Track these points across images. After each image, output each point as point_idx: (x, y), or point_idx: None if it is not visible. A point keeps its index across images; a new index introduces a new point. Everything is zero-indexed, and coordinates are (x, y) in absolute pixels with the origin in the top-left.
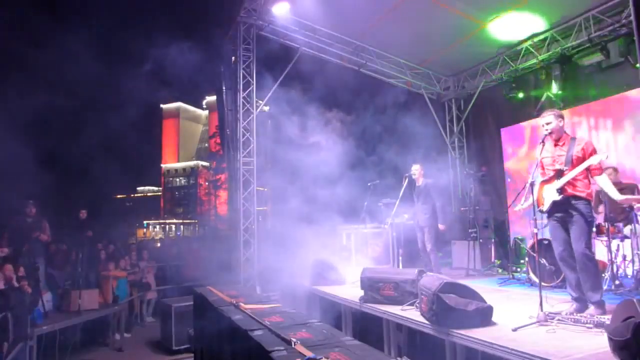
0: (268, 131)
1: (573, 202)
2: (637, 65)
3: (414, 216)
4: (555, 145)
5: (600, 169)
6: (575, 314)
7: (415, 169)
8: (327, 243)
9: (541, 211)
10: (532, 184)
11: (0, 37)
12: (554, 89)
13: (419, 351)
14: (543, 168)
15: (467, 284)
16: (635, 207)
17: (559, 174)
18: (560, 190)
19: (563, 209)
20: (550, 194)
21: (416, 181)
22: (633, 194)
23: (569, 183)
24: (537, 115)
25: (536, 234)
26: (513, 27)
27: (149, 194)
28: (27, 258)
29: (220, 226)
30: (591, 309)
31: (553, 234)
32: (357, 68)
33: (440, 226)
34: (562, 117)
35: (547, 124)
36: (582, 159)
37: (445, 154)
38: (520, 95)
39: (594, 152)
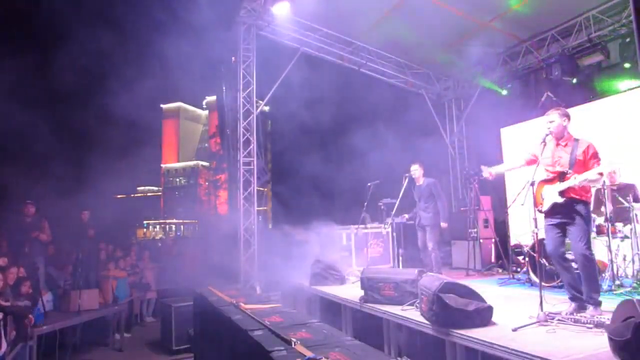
0: (268, 131)
1: (573, 204)
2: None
3: (414, 216)
4: (557, 145)
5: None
6: (575, 313)
7: (415, 169)
8: (327, 243)
9: (539, 211)
10: (532, 184)
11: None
12: (554, 89)
13: (419, 351)
14: (549, 166)
15: (467, 284)
16: (635, 207)
17: (562, 176)
18: (562, 193)
19: (563, 211)
20: (551, 196)
21: (416, 180)
22: (631, 194)
23: (571, 187)
24: (537, 115)
25: (536, 233)
26: (513, 27)
27: (149, 194)
28: (27, 258)
29: (219, 226)
30: (590, 309)
31: (548, 234)
32: (357, 68)
33: (443, 224)
34: (567, 116)
35: (550, 122)
36: (582, 162)
37: (445, 154)
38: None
39: (594, 156)
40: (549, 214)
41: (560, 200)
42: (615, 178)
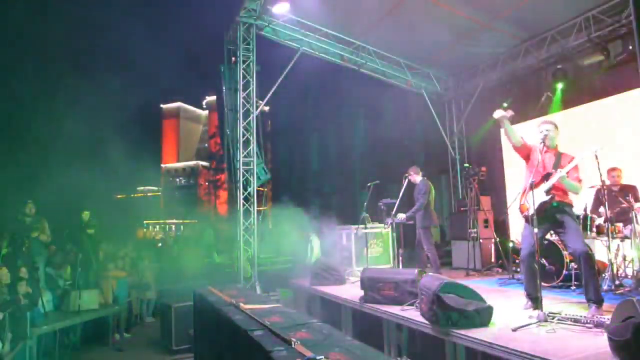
0: (268, 131)
1: (561, 207)
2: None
3: (413, 215)
4: (546, 152)
5: (579, 180)
6: (530, 309)
7: (410, 171)
8: (327, 243)
9: (524, 217)
10: (532, 184)
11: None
12: (554, 89)
13: (419, 351)
14: (535, 171)
15: (467, 284)
16: (635, 207)
17: (547, 176)
18: (548, 192)
19: (551, 214)
20: (538, 197)
21: (412, 181)
22: (632, 194)
23: (556, 189)
24: (537, 116)
25: (536, 233)
26: (513, 27)
27: (149, 194)
28: (27, 258)
29: (220, 226)
30: (592, 307)
31: (526, 235)
32: (357, 68)
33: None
34: (557, 129)
35: (547, 130)
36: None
37: (445, 154)
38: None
39: (575, 169)
40: (538, 221)
41: (546, 198)
42: (616, 178)
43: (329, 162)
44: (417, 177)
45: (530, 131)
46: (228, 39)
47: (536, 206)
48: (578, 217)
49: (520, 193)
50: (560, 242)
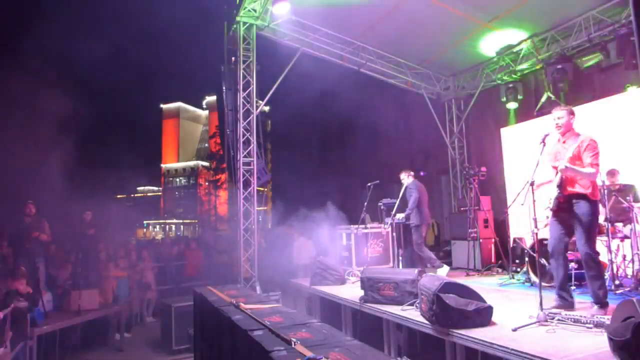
0: (268, 131)
1: (574, 201)
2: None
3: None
4: (558, 141)
5: (593, 165)
6: (558, 309)
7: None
8: (327, 243)
9: (550, 209)
10: (532, 184)
11: None
12: (554, 89)
13: (419, 351)
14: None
15: (467, 284)
16: (635, 207)
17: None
18: (560, 186)
19: (565, 207)
20: (552, 192)
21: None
22: (631, 194)
23: (569, 181)
24: (538, 115)
25: (536, 234)
26: (513, 27)
27: (149, 194)
28: (27, 258)
29: (220, 226)
30: (595, 308)
31: (551, 229)
32: (357, 68)
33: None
34: (573, 113)
35: (559, 118)
36: (577, 156)
37: (445, 154)
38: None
39: (588, 148)
40: (555, 211)
41: (557, 192)
42: (616, 180)
43: (329, 162)
44: (407, 179)
45: (530, 131)
46: (228, 39)
47: (553, 201)
48: None
49: (530, 186)
50: None
